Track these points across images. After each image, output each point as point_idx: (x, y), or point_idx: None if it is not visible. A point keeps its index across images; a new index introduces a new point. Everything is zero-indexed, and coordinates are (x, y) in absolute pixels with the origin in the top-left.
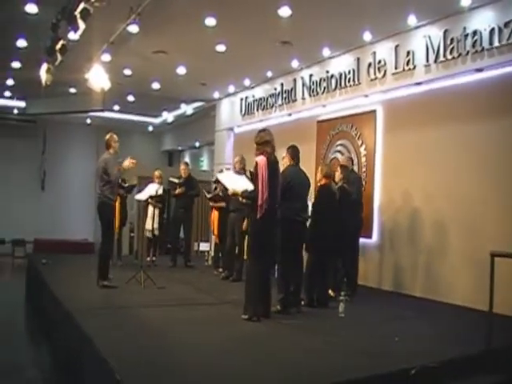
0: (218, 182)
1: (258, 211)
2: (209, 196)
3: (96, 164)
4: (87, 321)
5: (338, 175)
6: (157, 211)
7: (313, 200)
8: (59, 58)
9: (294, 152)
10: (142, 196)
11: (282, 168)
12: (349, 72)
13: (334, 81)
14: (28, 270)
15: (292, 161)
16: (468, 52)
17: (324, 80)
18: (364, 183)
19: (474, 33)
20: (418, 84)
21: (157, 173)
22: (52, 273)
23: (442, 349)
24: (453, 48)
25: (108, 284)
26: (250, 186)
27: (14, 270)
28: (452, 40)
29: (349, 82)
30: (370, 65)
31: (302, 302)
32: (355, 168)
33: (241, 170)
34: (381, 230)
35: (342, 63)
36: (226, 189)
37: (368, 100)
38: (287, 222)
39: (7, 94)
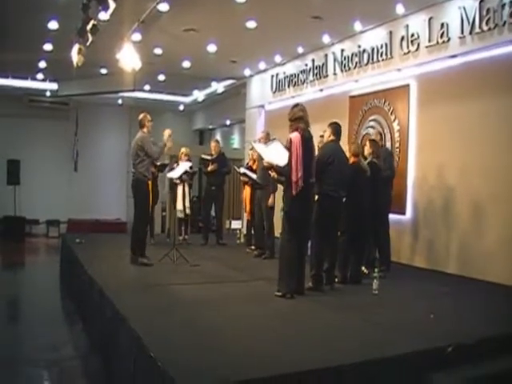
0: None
1: (293, 188)
2: (241, 171)
3: (129, 144)
4: (121, 299)
5: (367, 149)
6: (187, 189)
7: None
8: (90, 38)
9: (335, 128)
10: (175, 174)
11: (321, 143)
12: (381, 46)
13: (366, 55)
14: (62, 249)
15: (333, 136)
16: (505, 22)
17: (356, 55)
18: (397, 159)
19: None
20: (453, 57)
21: (184, 150)
22: (86, 252)
23: (478, 326)
24: (489, 19)
25: (145, 262)
26: (283, 161)
27: (48, 249)
28: (488, 10)
29: (381, 56)
30: (402, 38)
31: (336, 279)
32: (388, 144)
33: None
34: (415, 205)
35: (374, 37)
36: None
37: (401, 74)
38: (323, 197)
39: (40, 76)
